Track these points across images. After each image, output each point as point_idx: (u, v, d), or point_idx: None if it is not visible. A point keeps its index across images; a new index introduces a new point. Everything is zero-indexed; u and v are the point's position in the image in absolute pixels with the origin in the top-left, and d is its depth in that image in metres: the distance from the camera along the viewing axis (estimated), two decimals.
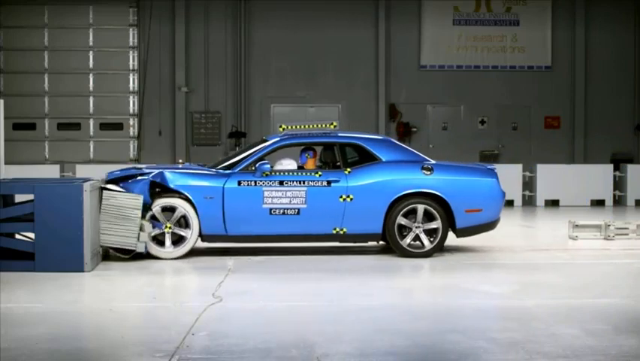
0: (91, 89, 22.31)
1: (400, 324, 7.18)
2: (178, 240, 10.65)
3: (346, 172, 10.81)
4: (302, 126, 11.44)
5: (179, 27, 22.10)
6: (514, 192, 19.31)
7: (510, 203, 19.21)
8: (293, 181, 10.67)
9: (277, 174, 10.74)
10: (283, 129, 11.33)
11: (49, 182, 10.25)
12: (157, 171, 10.76)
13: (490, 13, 22.59)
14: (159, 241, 10.62)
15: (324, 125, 11.41)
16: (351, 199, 10.68)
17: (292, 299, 8.28)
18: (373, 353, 6.13)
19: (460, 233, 11.01)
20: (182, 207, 10.57)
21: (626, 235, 12.67)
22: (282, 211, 10.64)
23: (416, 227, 10.79)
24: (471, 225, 10.99)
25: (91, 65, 22.28)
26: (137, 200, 10.28)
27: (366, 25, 22.41)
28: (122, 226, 10.19)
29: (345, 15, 22.37)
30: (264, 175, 10.65)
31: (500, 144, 22.79)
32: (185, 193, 10.57)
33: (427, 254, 10.81)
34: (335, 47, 22.41)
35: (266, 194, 10.63)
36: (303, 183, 10.68)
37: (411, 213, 10.80)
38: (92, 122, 22.39)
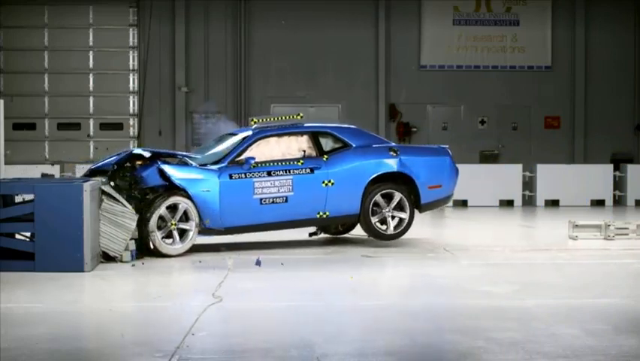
0: (91, 89, 22.31)
1: (399, 324, 7.17)
2: (182, 234, 10.76)
3: (324, 159, 11.34)
4: (271, 119, 11.87)
5: (179, 27, 22.10)
6: (514, 192, 19.32)
7: (510, 203, 19.23)
8: (279, 171, 11.12)
9: (262, 165, 11.01)
10: (255, 123, 11.69)
11: (49, 182, 10.25)
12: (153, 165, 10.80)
13: (490, 13, 22.59)
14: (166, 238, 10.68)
15: (291, 117, 11.93)
16: (332, 184, 11.26)
17: (292, 299, 8.28)
18: (373, 353, 6.13)
19: (424, 208, 11.90)
20: (184, 202, 10.65)
21: (626, 235, 12.67)
22: (271, 200, 11.04)
23: (387, 211, 11.51)
24: (433, 200, 11.95)
25: (91, 65, 22.28)
26: (133, 213, 10.29)
27: (366, 25, 22.40)
28: (114, 231, 10.16)
29: (345, 15, 22.36)
30: (253, 167, 10.95)
31: (500, 144, 22.78)
32: (185, 187, 10.66)
33: (392, 237, 11.62)
34: (335, 47, 22.40)
35: (256, 185, 10.95)
36: (289, 172, 11.14)
37: (383, 197, 11.52)
38: (92, 122, 22.39)
